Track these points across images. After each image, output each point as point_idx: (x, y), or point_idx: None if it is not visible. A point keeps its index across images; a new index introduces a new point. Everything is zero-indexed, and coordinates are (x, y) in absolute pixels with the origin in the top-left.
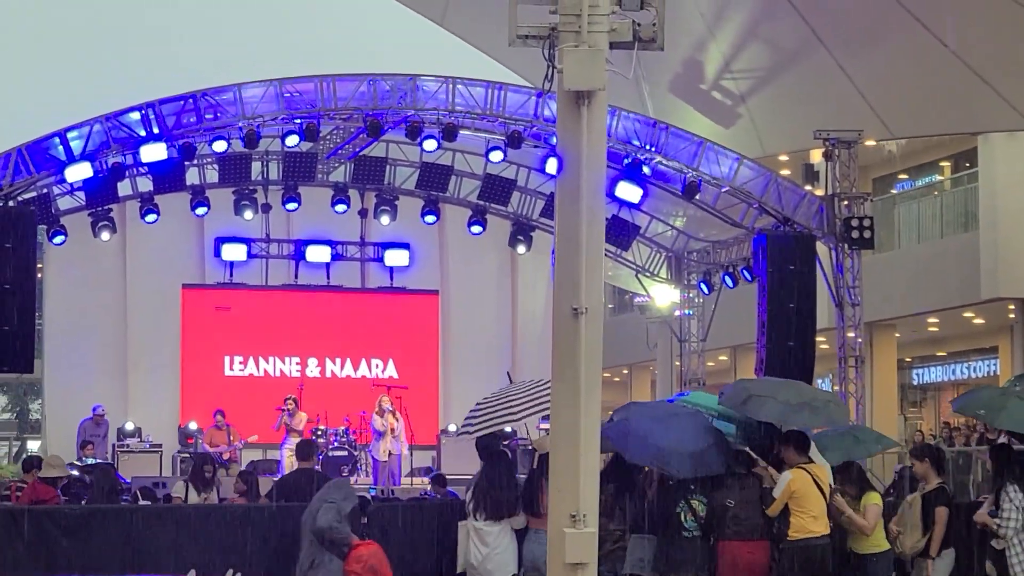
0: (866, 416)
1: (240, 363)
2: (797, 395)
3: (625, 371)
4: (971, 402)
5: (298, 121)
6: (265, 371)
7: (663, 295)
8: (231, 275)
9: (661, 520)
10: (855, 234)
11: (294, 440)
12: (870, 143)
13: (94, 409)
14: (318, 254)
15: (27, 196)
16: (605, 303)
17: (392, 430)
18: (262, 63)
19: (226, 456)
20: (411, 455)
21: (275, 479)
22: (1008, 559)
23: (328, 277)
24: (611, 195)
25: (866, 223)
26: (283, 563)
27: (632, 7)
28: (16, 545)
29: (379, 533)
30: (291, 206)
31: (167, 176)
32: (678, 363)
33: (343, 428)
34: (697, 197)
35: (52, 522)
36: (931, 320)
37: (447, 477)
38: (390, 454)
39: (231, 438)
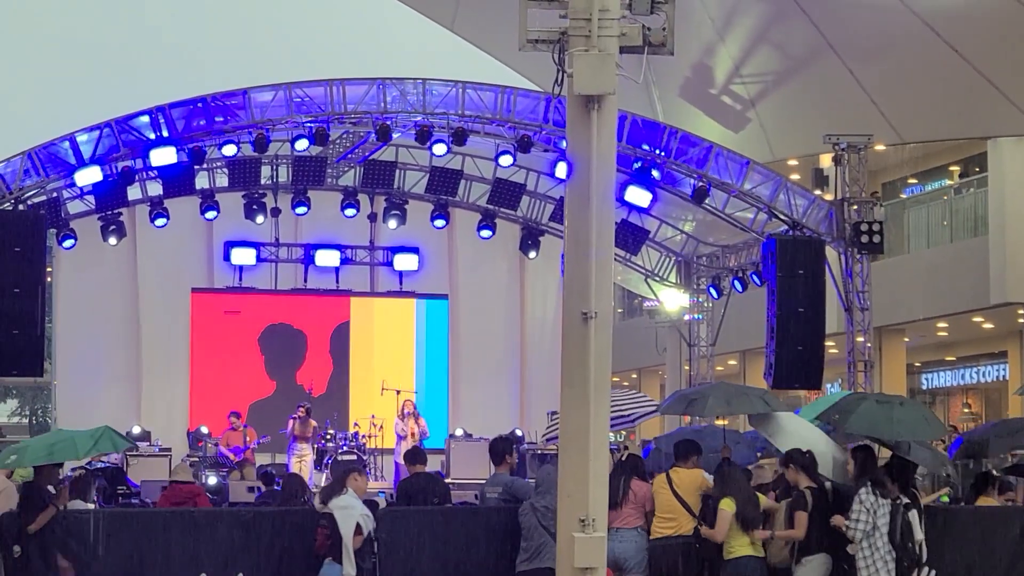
0: None
1: (249, 367)
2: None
3: (634, 375)
4: (831, 408)
5: (308, 125)
6: (274, 375)
7: (672, 299)
8: (240, 279)
9: None
10: (864, 239)
11: (301, 446)
12: (880, 147)
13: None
14: (327, 258)
15: (37, 200)
16: (614, 307)
17: (413, 434)
18: (272, 67)
19: (246, 454)
20: None
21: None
22: (856, 562)
23: (337, 281)
24: (620, 199)
25: (875, 227)
26: (289, 565)
27: (642, 11)
28: None
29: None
30: (300, 210)
31: (177, 180)
32: (687, 367)
33: (352, 432)
34: (707, 201)
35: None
36: (940, 325)
37: (454, 481)
38: None
39: (246, 439)
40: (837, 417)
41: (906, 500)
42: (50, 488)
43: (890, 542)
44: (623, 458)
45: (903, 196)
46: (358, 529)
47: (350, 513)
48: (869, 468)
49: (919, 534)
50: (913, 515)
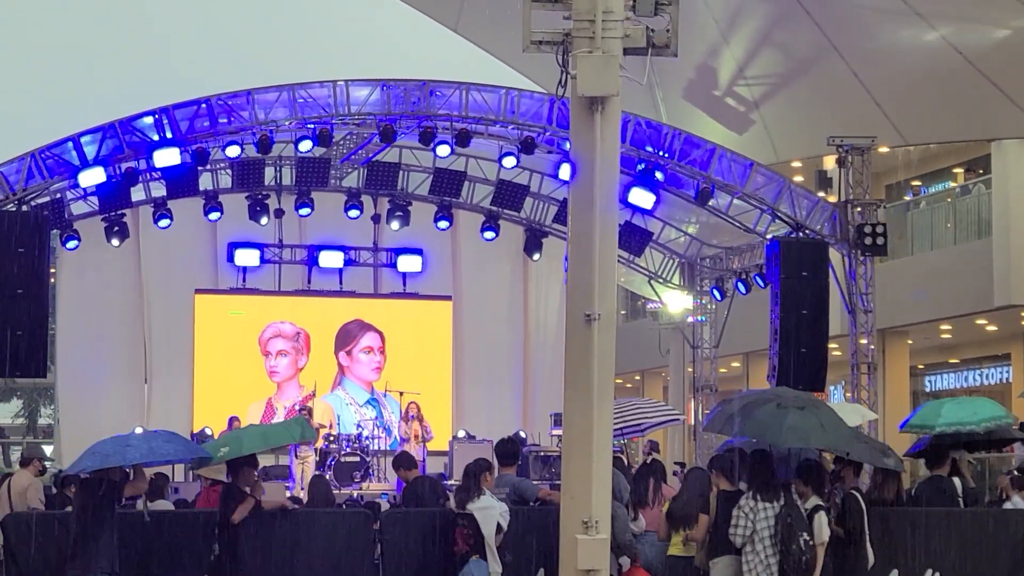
0: (878, 423)
1: (252, 368)
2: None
3: (637, 377)
4: (752, 425)
5: (311, 126)
6: (277, 376)
7: (676, 301)
8: (244, 280)
9: None
10: (868, 241)
11: (302, 447)
12: (883, 150)
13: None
14: (331, 259)
15: (40, 201)
16: (617, 309)
17: (416, 436)
18: (276, 68)
19: None
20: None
21: (286, 485)
22: (742, 566)
23: (341, 283)
24: (624, 201)
25: (879, 230)
26: (290, 568)
27: (646, 13)
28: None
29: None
30: (304, 211)
31: (180, 181)
32: (690, 369)
33: (355, 434)
34: (710, 203)
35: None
36: (944, 327)
37: (457, 483)
38: None
39: None
40: (767, 435)
41: (818, 502)
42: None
43: (772, 545)
44: (648, 461)
45: (907, 198)
46: (498, 527)
47: (490, 513)
48: (756, 472)
49: (820, 536)
50: (819, 517)
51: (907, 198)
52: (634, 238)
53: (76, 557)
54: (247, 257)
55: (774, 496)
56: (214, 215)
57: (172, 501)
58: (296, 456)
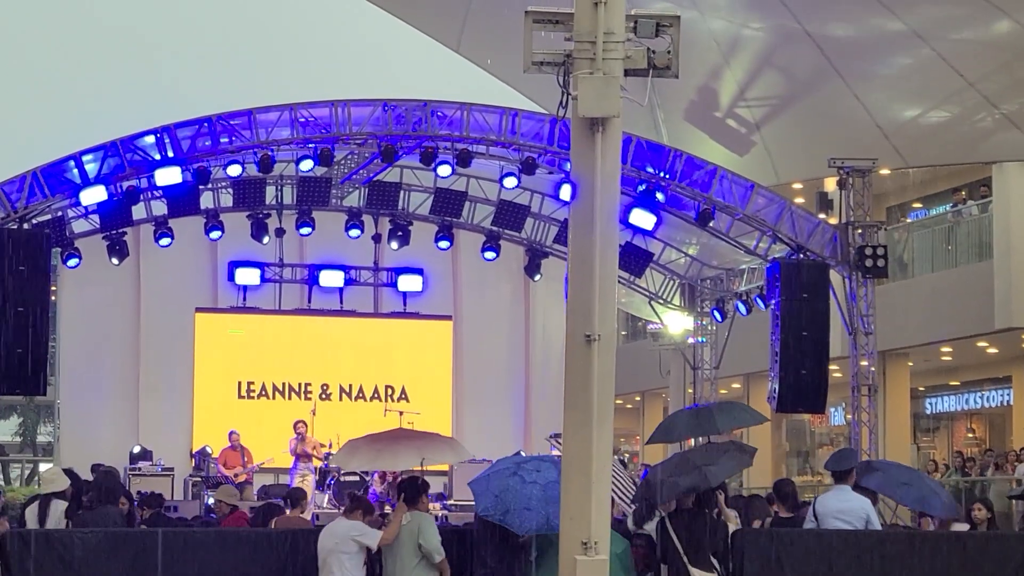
0: (879, 445)
1: (253, 387)
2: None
3: (637, 398)
4: (663, 436)
5: (312, 146)
6: (277, 395)
7: (676, 322)
8: (244, 299)
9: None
10: (869, 263)
11: (303, 465)
12: (884, 172)
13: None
14: (331, 279)
15: (42, 219)
16: (618, 330)
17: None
18: (277, 88)
19: (241, 478)
20: None
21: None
22: None
23: (341, 302)
24: (625, 222)
25: (880, 252)
26: None
27: (647, 34)
28: None
29: None
30: (305, 231)
31: (181, 200)
32: (691, 390)
33: None
34: (711, 225)
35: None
36: (944, 349)
37: (459, 503)
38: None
39: (245, 460)
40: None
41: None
42: None
43: None
44: None
45: (908, 220)
46: None
47: None
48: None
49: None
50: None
51: (908, 220)
52: (635, 259)
53: None
54: (247, 276)
55: (648, 519)
56: (215, 234)
57: (175, 519)
58: (296, 475)
